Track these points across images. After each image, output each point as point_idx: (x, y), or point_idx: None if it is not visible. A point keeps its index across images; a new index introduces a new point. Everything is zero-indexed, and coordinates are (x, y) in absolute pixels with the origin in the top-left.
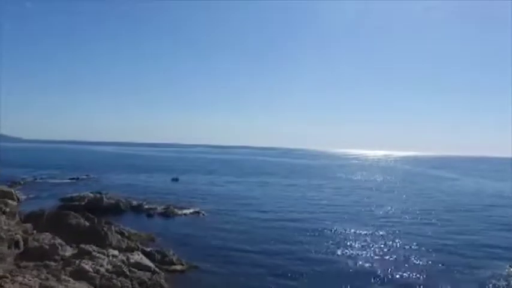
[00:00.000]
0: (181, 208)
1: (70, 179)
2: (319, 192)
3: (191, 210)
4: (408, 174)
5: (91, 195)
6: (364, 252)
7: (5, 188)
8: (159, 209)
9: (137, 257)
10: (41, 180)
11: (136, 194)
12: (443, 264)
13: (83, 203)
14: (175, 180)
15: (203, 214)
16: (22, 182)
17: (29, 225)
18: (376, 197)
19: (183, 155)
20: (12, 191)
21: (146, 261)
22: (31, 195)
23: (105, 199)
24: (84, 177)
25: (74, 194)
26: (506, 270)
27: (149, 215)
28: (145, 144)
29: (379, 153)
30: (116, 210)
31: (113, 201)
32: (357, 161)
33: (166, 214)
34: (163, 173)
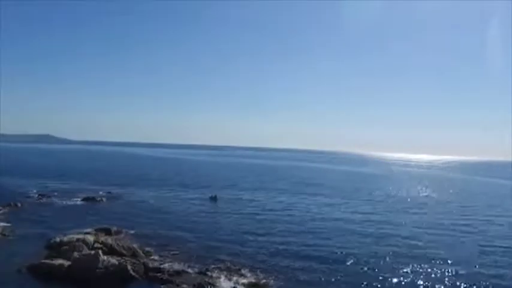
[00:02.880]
0: (229, 274)
1: (83, 199)
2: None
3: (246, 281)
4: (498, 192)
5: (90, 239)
6: None
7: None
8: (191, 278)
9: None
10: (47, 200)
11: (162, 230)
12: None
13: (67, 265)
14: (214, 199)
15: None
16: (19, 204)
17: None
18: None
19: (220, 159)
20: None
21: None
22: (15, 232)
23: (101, 257)
24: (104, 194)
25: (66, 238)
26: None
27: None
28: (181, 146)
29: (423, 157)
30: (118, 278)
31: (115, 262)
32: (418, 169)
33: None
34: (198, 187)
